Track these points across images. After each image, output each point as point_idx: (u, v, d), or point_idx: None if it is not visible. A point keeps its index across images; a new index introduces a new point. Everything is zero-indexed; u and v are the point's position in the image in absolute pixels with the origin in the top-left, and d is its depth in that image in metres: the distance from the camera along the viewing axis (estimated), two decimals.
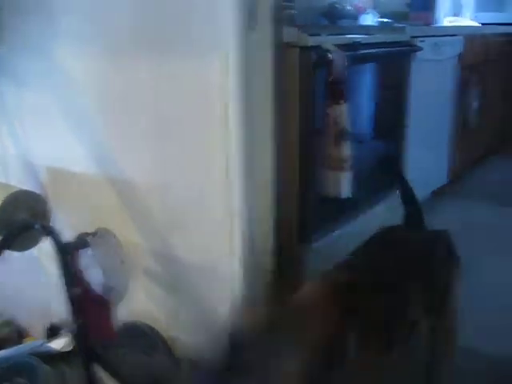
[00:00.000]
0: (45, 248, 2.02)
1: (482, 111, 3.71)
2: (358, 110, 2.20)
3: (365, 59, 2.24)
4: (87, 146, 1.77)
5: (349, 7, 3.12)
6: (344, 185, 1.93)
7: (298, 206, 1.93)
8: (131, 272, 1.60)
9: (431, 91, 3.02)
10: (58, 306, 2.21)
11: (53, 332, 2.10)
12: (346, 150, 1.91)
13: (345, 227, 2.19)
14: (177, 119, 1.54)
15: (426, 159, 3.02)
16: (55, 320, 2.20)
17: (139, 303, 1.76)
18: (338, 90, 1.87)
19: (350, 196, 1.96)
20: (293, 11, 2.36)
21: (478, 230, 2.98)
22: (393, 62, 2.53)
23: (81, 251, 1.58)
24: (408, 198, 1.71)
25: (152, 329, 1.73)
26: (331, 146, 1.91)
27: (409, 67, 2.66)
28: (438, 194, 3.34)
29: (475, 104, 3.54)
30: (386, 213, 2.47)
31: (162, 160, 1.62)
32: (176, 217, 1.63)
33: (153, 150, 1.63)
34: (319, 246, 2.05)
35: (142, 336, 1.75)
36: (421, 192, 3.08)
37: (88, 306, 1.58)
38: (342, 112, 1.88)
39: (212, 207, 1.54)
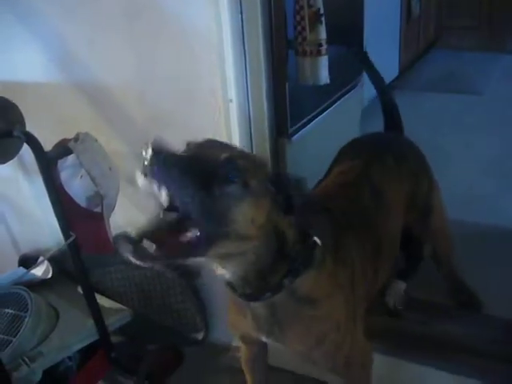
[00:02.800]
0: (2, 174, 1.85)
1: (421, 1, 3.69)
2: None
3: None
4: (45, 51, 1.57)
5: None
6: (323, 70, 1.84)
7: (273, 99, 1.83)
8: (120, 179, 1.47)
9: None
10: (26, 236, 2.08)
11: (26, 263, 1.96)
12: (322, 32, 1.81)
13: (320, 118, 2.13)
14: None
15: (379, 54, 2.97)
16: (25, 251, 2.06)
17: (127, 214, 1.65)
18: None
19: (329, 82, 1.88)
20: None
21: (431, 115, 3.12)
22: None
23: (59, 163, 1.45)
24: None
25: None
26: (306, 29, 1.80)
27: None
28: (389, 87, 3.33)
29: None
30: (356, 103, 2.43)
31: (138, 53, 1.46)
32: (161, 115, 1.50)
33: (125, 43, 1.46)
34: (298, 139, 1.98)
35: None
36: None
37: (78, 220, 1.46)
38: None
39: (203, 98, 1.41)
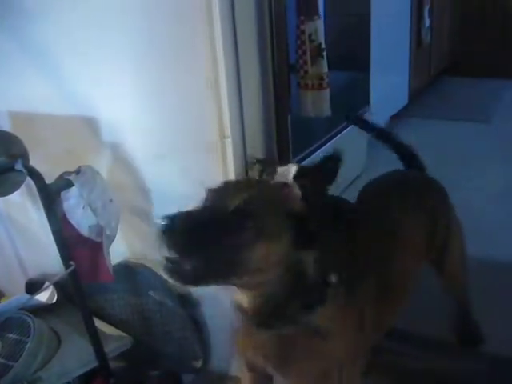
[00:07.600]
0: (11, 200, 1.90)
1: (432, 29, 3.72)
2: None
3: None
4: (53, 83, 1.63)
5: None
6: (325, 103, 1.88)
7: (276, 131, 1.86)
8: (120, 211, 1.51)
9: (390, 13, 2.99)
10: (33, 261, 2.13)
11: (32, 287, 2.01)
12: (324, 66, 1.85)
13: (325, 148, 2.16)
14: (158, 40, 1.41)
15: (388, 82, 3.01)
16: (32, 275, 2.11)
17: (129, 243, 1.69)
18: (311, 5, 1.79)
19: (330, 115, 1.92)
20: None
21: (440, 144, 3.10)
22: None
23: (63, 194, 1.49)
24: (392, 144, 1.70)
25: (146, 268, 1.67)
26: (308, 64, 1.84)
27: None
28: (398, 115, 3.36)
29: (427, 21, 3.53)
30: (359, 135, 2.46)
31: (142, 89, 1.50)
32: (162, 148, 1.54)
33: (130, 78, 1.51)
34: None
35: (136, 276, 1.69)
36: (385, 115, 3.15)
37: (79, 249, 1.50)
38: (317, 28, 1.81)
39: (201, 134, 1.45)
